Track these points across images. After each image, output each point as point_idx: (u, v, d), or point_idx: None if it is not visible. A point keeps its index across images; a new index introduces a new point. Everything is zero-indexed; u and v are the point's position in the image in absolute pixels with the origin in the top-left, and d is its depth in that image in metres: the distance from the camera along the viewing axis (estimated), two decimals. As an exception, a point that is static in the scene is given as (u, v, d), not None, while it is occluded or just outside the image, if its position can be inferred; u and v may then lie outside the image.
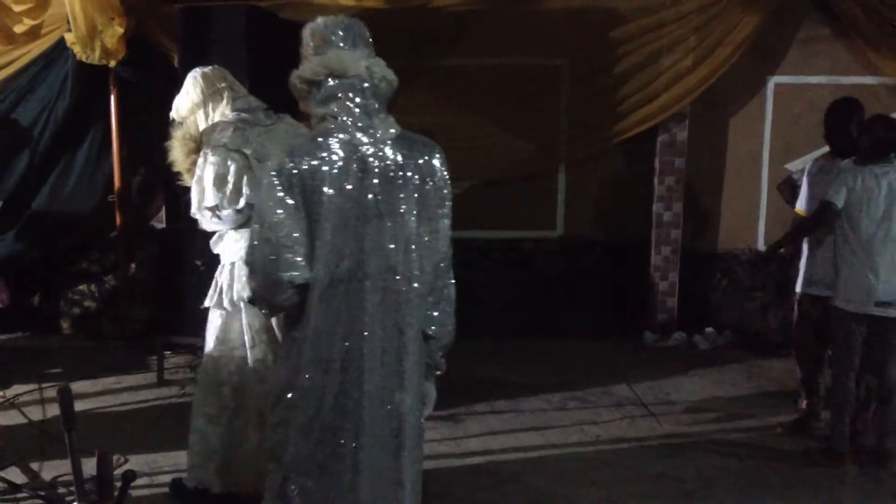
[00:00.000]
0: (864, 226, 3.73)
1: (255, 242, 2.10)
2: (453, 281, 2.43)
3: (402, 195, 2.16)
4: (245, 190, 3.12)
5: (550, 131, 6.08)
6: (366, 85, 2.23)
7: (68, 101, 5.69)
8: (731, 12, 5.72)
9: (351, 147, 2.12)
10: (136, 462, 3.72)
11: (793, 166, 6.04)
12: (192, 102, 3.30)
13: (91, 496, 2.21)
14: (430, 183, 2.24)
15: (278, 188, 2.06)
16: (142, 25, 5.56)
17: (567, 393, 4.94)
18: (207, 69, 3.39)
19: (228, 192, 3.11)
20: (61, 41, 5.55)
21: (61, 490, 3.44)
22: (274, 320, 3.15)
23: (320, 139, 2.14)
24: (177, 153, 3.26)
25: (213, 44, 4.77)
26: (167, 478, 3.64)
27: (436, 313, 2.35)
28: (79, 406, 3.58)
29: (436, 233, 2.30)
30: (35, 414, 4.24)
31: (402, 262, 2.17)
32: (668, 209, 6.06)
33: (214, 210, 3.14)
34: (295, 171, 2.07)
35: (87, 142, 5.83)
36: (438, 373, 2.45)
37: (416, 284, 2.23)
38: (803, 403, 4.39)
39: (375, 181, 2.13)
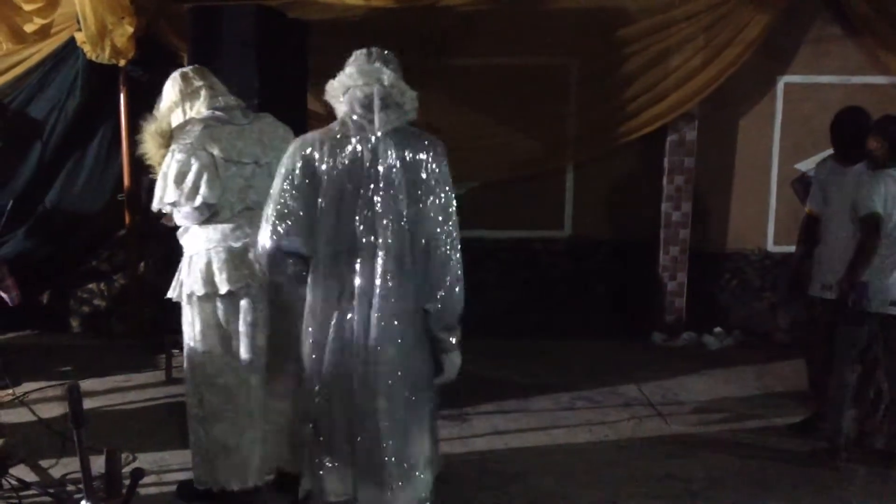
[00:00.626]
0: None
1: (262, 221, 2.54)
2: (453, 260, 2.76)
3: (395, 182, 2.53)
4: (203, 189, 3.16)
5: (558, 131, 6.07)
6: (375, 89, 2.58)
7: (78, 100, 5.72)
8: (740, 11, 5.70)
9: (353, 138, 2.54)
10: (144, 460, 3.74)
11: (803, 166, 6.01)
12: (170, 101, 3.35)
13: (99, 494, 2.22)
14: (420, 174, 2.57)
15: (284, 170, 2.51)
16: (152, 25, 5.58)
17: (574, 393, 4.93)
18: (188, 69, 3.46)
19: (186, 190, 3.15)
20: (71, 40, 5.57)
21: (70, 488, 3.46)
22: (221, 315, 3.25)
23: (330, 130, 2.57)
24: (148, 146, 3.29)
25: (223, 43, 4.78)
26: (175, 476, 3.67)
27: (432, 290, 2.67)
28: (87, 404, 3.59)
29: (425, 217, 2.59)
30: (44, 412, 4.26)
31: (393, 240, 2.52)
32: (676, 209, 6.04)
33: (174, 206, 3.21)
34: (303, 155, 2.51)
35: (96, 141, 5.86)
36: (453, 340, 2.87)
37: (406, 259, 2.56)
38: (812, 404, 4.37)
39: (372, 169, 2.52)
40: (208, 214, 3.21)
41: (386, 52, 2.72)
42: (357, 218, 2.51)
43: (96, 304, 6.27)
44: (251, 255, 3.20)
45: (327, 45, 5.56)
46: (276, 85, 4.90)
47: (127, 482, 2.42)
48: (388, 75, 2.62)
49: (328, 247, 2.51)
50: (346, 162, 2.51)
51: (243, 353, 3.29)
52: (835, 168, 4.21)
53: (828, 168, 4.27)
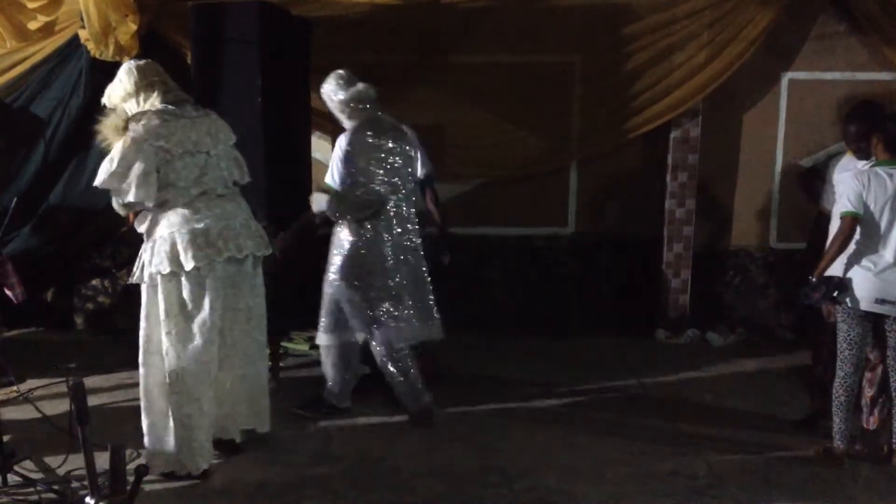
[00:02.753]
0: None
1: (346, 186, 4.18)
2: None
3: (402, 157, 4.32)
4: (133, 190, 3.41)
5: (562, 128, 6.05)
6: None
7: (82, 98, 5.71)
8: (744, 8, 5.67)
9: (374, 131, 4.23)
10: (148, 457, 3.74)
11: (806, 163, 6.01)
12: (125, 91, 3.53)
13: (104, 490, 2.23)
14: (411, 153, 4.39)
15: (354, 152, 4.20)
16: (155, 22, 5.58)
17: (578, 389, 4.93)
18: (142, 62, 3.63)
19: (123, 185, 3.42)
20: (75, 38, 5.58)
21: (75, 484, 3.47)
22: (186, 294, 3.50)
23: (365, 125, 4.25)
24: (108, 132, 3.48)
25: (226, 40, 4.79)
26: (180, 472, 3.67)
27: None
28: (92, 401, 3.61)
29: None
30: (49, 409, 4.27)
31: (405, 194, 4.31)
32: (680, 206, 6.03)
33: (112, 192, 3.48)
34: (364, 139, 4.20)
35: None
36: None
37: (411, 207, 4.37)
38: (816, 402, 4.36)
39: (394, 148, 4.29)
40: (134, 210, 3.55)
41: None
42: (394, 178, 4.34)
43: (100, 301, 6.28)
44: (214, 234, 3.51)
45: (330, 43, 5.58)
46: (279, 82, 4.91)
47: (131, 479, 2.42)
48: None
49: (383, 197, 4.28)
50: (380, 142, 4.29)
51: (207, 328, 3.51)
52: (848, 165, 4.18)
53: (849, 166, 4.23)
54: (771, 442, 4.15)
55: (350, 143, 4.19)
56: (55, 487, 3.43)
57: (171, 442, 3.54)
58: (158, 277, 3.48)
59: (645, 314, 6.15)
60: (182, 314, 3.51)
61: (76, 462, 3.54)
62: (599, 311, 6.16)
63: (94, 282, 6.26)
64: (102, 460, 2.11)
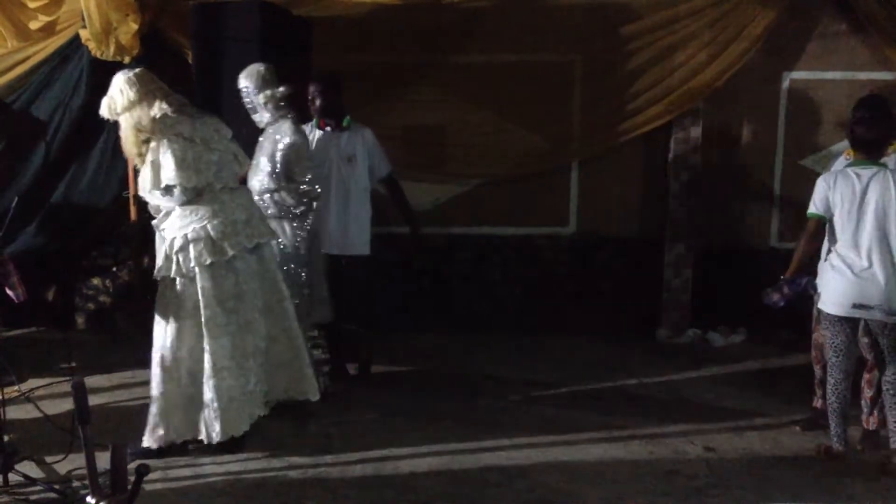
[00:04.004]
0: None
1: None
2: None
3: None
4: (203, 170, 3.63)
5: (563, 127, 6.06)
6: None
7: (83, 98, 5.72)
8: (745, 7, 5.68)
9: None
10: (149, 456, 3.74)
11: (808, 163, 6.00)
12: (128, 101, 3.62)
13: (105, 490, 2.23)
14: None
15: None
16: (156, 22, 5.58)
17: (579, 389, 4.93)
18: (138, 71, 3.74)
19: (188, 173, 3.58)
20: (76, 38, 5.59)
21: (75, 484, 3.47)
22: (226, 282, 3.70)
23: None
24: (130, 140, 3.65)
25: (227, 40, 4.80)
26: (181, 472, 3.69)
27: None
28: (93, 400, 3.61)
29: None
30: (50, 408, 4.27)
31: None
32: (681, 205, 6.03)
33: (171, 189, 3.61)
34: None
35: (101, 138, 5.86)
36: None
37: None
38: (818, 402, 4.36)
39: None
40: (193, 196, 3.66)
41: None
42: None
43: (101, 301, 6.28)
44: (241, 225, 3.74)
45: (331, 42, 5.58)
46: (280, 81, 4.90)
47: (132, 478, 2.42)
48: None
49: None
50: None
51: (248, 311, 3.78)
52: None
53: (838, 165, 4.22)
54: (772, 442, 4.14)
55: (300, 142, 4.30)
56: (56, 487, 3.43)
57: (198, 417, 3.73)
58: (196, 269, 3.65)
59: (646, 314, 6.15)
60: (220, 301, 3.68)
61: (77, 461, 3.54)
62: (600, 310, 6.17)
63: (95, 281, 6.27)
64: (103, 460, 2.11)
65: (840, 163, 4.19)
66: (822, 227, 3.82)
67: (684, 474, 3.75)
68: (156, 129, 3.60)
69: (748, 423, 4.40)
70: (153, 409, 3.74)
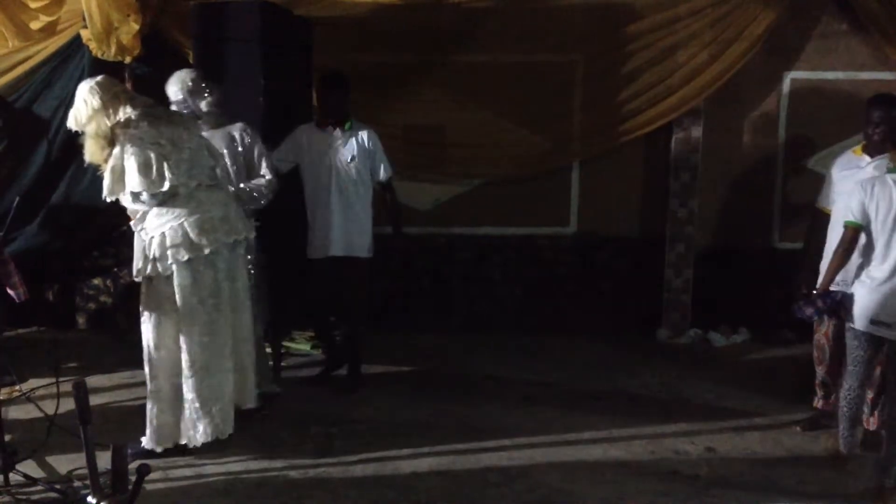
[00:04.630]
0: None
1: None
2: None
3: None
4: (167, 174, 3.59)
5: (564, 127, 6.05)
6: None
7: (84, 98, 5.72)
8: (746, 7, 5.67)
9: None
10: (150, 456, 3.74)
11: (808, 163, 6.00)
12: (92, 110, 3.62)
13: (106, 490, 2.23)
14: None
15: None
16: (157, 22, 5.58)
17: (579, 390, 4.93)
18: (99, 78, 3.74)
19: (154, 177, 3.57)
20: (77, 38, 5.58)
21: (76, 484, 3.47)
22: (202, 278, 3.68)
23: None
24: (93, 148, 3.64)
25: (228, 40, 4.80)
26: (182, 472, 3.69)
27: None
28: (94, 400, 3.61)
29: None
30: (51, 408, 4.27)
31: None
32: (682, 205, 6.03)
33: (137, 196, 3.61)
34: None
35: (103, 137, 5.86)
36: None
37: None
38: (819, 402, 4.35)
39: None
40: (167, 197, 3.64)
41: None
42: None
43: (102, 301, 6.28)
44: (217, 221, 3.73)
45: (331, 42, 5.58)
46: (281, 81, 4.91)
47: (133, 478, 2.42)
48: None
49: None
50: None
51: (223, 307, 3.75)
52: (850, 164, 4.15)
53: (842, 164, 4.20)
54: (772, 442, 4.14)
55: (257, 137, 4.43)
56: (57, 486, 3.44)
57: (181, 417, 3.73)
58: (174, 266, 3.63)
59: (646, 314, 6.15)
60: (199, 298, 3.67)
61: (78, 461, 3.54)
62: (601, 310, 6.16)
63: (97, 281, 6.27)
64: (104, 460, 2.11)
65: (848, 160, 4.15)
66: (858, 237, 3.63)
67: (685, 474, 3.75)
68: (118, 135, 3.59)
69: (749, 423, 4.40)
70: (148, 410, 3.75)
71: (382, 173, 4.76)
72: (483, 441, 4.11)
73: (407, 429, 4.24)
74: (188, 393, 3.68)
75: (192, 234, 3.64)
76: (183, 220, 3.65)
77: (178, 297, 3.65)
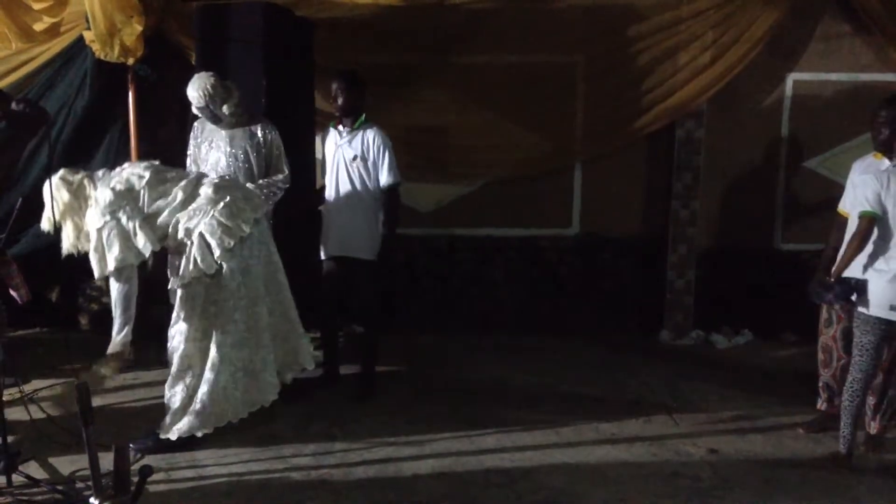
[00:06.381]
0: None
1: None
2: None
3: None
4: (116, 253, 3.67)
5: (566, 128, 6.05)
6: None
7: (87, 99, 5.73)
8: (749, 8, 5.67)
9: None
10: (152, 457, 3.75)
11: (811, 164, 6.00)
12: (63, 205, 3.74)
13: (108, 491, 2.23)
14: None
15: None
16: (160, 23, 5.59)
17: (581, 391, 4.93)
18: (60, 172, 3.81)
19: (132, 252, 3.70)
20: (80, 39, 5.59)
21: (79, 485, 3.47)
22: (243, 263, 3.86)
23: None
24: (71, 240, 3.80)
25: (230, 41, 4.81)
26: (184, 473, 3.69)
27: None
28: (96, 402, 3.62)
29: None
30: (53, 409, 4.28)
31: None
32: (685, 207, 6.02)
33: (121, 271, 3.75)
34: None
35: (105, 139, 5.87)
36: None
37: None
38: (822, 405, 4.35)
39: None
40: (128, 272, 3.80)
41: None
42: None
43: (104, 302, 6.28)
44: (241, 202, 3.88)
45: (333, 44, 5.59)
46: (283, 83, 4.92)
47: (136, 479, 2.42)
48: None
49: None
50: None
51: (254, 281, 3.90)
52: (870, 167, 4.12)
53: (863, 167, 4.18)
54: (775, 444, 4.14)
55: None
56: (59, 488, 3.44)
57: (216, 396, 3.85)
58: (222, 259, 3.77)
59: (649, 315, 6.15)
60: (237, 285, 3.81)
61: (80, 462, 3.55)
62: (603, 312, 6.16)
63: (98, 282, 6.26)
64: (107, 461, 2.11)
65: (869, 164, 4.08)
66: (874, 227, 3.73)
67: (687, 476, 3.74)
68: (96, 219, 3.68)
69: (752, 425, 4.40)
70: (179, 398, 3.87)
71: (384, 178, 4.60)
72: (485, 442, 4.11)
73: (409, 430, 4.24)
74: (203, 386, 3.84)
75: (226, 222, 3.76)
76: (212, 210, 3.77)
77: (229, 281, 3.78)
